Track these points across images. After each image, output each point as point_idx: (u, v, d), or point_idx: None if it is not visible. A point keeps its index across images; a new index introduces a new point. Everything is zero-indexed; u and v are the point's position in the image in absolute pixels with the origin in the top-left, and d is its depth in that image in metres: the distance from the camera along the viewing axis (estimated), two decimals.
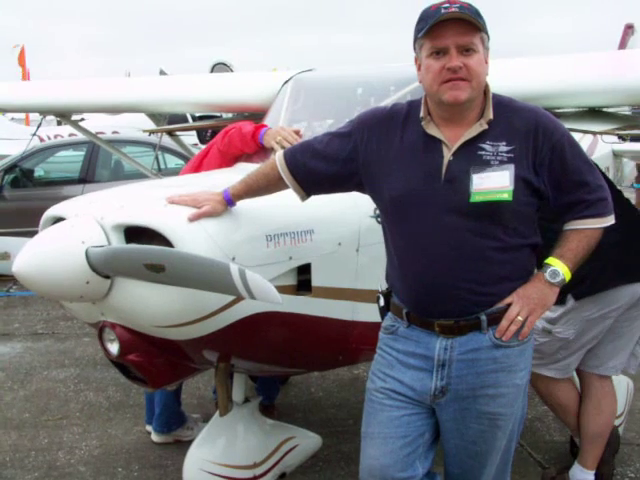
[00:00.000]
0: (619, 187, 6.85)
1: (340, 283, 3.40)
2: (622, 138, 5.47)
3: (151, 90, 5.92)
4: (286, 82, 4.67)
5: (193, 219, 2.88)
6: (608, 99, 4.06)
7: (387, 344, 2.80)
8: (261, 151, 4.03)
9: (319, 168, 2.79)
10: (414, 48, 2.64)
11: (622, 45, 11.86)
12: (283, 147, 3.75)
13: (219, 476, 3.56)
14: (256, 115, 5.05)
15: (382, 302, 2.84)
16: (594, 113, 4.23)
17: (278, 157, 2.87)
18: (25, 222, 7.38)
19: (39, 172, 10.46)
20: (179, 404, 4.77)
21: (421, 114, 2.65)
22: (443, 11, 2.47)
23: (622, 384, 4.35)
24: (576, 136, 6.84)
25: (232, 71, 13.57)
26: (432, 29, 2.49)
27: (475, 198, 2.51)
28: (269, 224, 3.09)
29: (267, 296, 2.63)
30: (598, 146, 7.53)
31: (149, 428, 4.80)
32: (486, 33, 2.56)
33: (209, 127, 7.93)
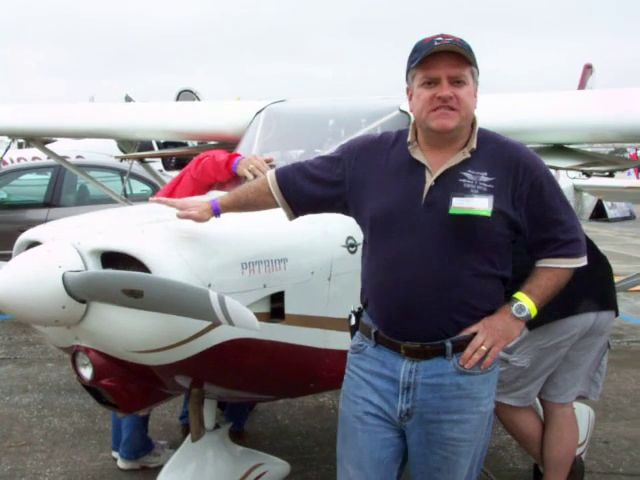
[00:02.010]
0: (579, 220, 7.04)
1: (312, 311, 3.45)
2: (586, 174, 5.63)
3: (124, 117, 5.95)
4: (259, 112, 4.75)
5: (181, 216, 2.95)
6: (572, 136, 4.20)
7: (354, 363, 2.86)
8: (234, 180, 4.08)
9: (308, 189, 2.87)
10: (406, 79, 2.75)
11: (581, 85, 12.13)
12: (255, 175, 3.83)
13: None
14: (228, 144, 5.11)
15: (353, 321, 2.91)
16: (559, 150, 4.36)
17: (269, 174, 2.95)
18: None
19: (2, 195, 10.36)
20: (146, 430, 4.76)
21: (408, 139, 2.74)
22: (436, 43, 2.59)
23: (583, 413, 4.46)
24: None
25: (198, 99, 13.67)
26: (425, 60, 2.60)
27: (454, 210, 2.58)
28: (244, 252, 3.15)
29: (246, 322, 2.67)
30: (560, 181, 7.73)
31: (115, 454, 4.77)
32: (476, 67, 2.67)
33: (179, 154, 8.00)
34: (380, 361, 2.77)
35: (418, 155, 2.71)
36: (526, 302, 2.70)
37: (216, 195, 3.89)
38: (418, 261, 2.64)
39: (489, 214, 2.58)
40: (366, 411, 2.77)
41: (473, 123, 2.72)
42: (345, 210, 2.91)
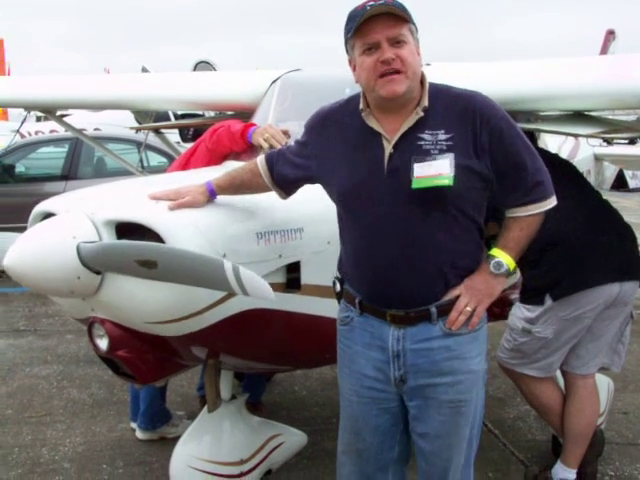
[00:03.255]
0: (600, 189, 6.96)
1: (329, 281, 3.40)
2: (607, 141, 5.53)
3: (140, 87, 5.92)
4: (274, 81, 4.69)
5: (173, 208, 2.93)
6: (592, 103, 4.11)
7: (344, 336, 2.89)
8: (249, 150, 4.04)
9: (287, 172, 2.94)
10: (346, 50, 2.71)
11: (603, 51, 11.96)
12: (270, 144, 3.78)
13: (206, 472, 3.56)
14: (243, 114, 5.07)
15: (338, 287, 2.92)
16: (579, 117, 4.28)
17: (260, 158, 3.01)
18: (5, 218, 7.37)
19: (20, 168, 10.39)
20: (164, 401, 4.78)
21: (360, 106, 2.70)
22: (369, 8, 2.53)
23: (603, 384, 4.42)
24: (559, 139, 6.91)
25: (215, 70, 13.60)
26: (361, 27, 2.55)
27: (416, 184, 2.55)
28: (260, 221, 3.12)
29: (260, 293, 2.65)
30: (580, 149, 7.63)
31: (134, 425, 4.80)
32: (414, 24, 2.62)
33: (195, 125, 7.97)
34: (369, 332, 2.78)
35: (372, 122, 2.67)
36: (503, 257, 2.69)
37: (231, 165, 3.88)
38: (391, 229, 2.63)
39: (451, 182, 2.53)
40: (361, 384, 2.82)
41: (423, 81, 2.67)
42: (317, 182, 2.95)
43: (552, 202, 2.72)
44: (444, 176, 2.53)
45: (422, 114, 2.61)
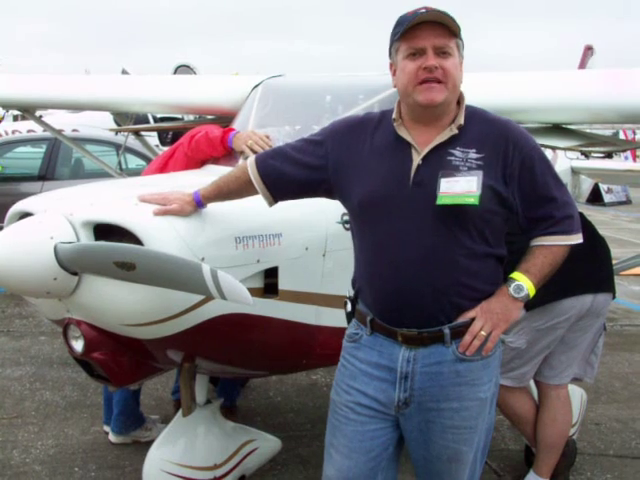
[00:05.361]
0: (576, 203, 7.02)
1: (306, 287, 3.43)
2: (585, 155, 5.60)
3: (121, 89, 5.90)
4: (256, 87, 4.70)
5: (158, 213, 2.90)
6: (571, 116, 4.16)
7: (350, 353, 2.77)
8: (229, 155, 4.04)
9: (290, 173, 2.78)
10: (389, 53, 2.66)
11: (582, 66, 12.09)
12: (254, 151, 3.77)
13: (179, 477, 3.55)
14: (223, 118, 5.07)
15: (349, 307, 2.81)
16: (558, 130, 4.32)
17: (249, 161, 2.87)
18: None
19: None
20: (138, 405, 4.75)
21: (393, 116, 2.66)
22: (420, 14, 2.51)
23: (576, 395, 4.45)
24: None
25: (195, 73, 13.57)
26: (409, 31, 2.52)
27: (442, 200, 2.49)
28: (239, 226, 3.12)
29: (238, 297, 2.64)
30: (557, 162, 7.71)
31: (107, 428, 4.76)
32: (461, 40, 2.59)
33: (174, 128, 7.97)
34: (377, 350, 2.68)
35: (403, 132, 2.62)
36: (524, 281, 2.61)
37: (211, 169, 3.88)
38: (410, 243, 2.55)
39: (477, 202, 2.47)
40: (358, 402, 2.70)
41: (460, 99, 2.64)
42: (329, 195, 2.83)
43: (577, 238, 2.68)
44: (470, 194, 2.48)
45: (456, 131, 2.58)
